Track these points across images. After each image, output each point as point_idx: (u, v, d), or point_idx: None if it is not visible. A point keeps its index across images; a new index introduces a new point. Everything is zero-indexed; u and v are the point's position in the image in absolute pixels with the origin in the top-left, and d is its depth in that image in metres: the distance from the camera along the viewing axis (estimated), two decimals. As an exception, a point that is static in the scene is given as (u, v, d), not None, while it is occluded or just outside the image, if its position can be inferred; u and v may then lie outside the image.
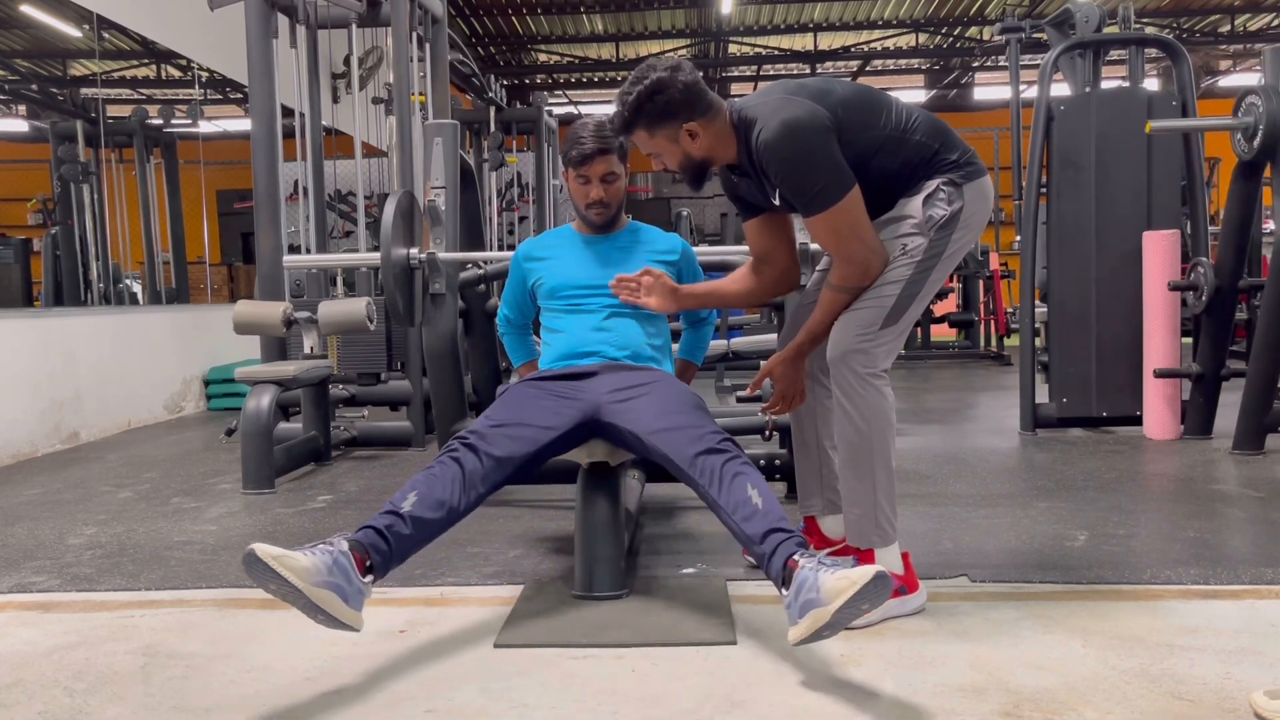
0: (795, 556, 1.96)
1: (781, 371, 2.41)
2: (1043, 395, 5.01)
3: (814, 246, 2.74)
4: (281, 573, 1.84)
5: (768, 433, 3.51)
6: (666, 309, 2.65)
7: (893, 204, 2.31)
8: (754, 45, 15.02)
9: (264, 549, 1.84)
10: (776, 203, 2.35)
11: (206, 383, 6.69)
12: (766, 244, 2.54)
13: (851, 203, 2.21)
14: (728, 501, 2.15)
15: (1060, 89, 5.24)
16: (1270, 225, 6.02)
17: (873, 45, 15.12)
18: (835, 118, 2.21)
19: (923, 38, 15.01)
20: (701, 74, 2.35)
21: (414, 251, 3.32)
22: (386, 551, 2.08)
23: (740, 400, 5.01)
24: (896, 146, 2.28)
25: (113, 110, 6.65)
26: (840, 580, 1.80)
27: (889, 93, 2.41)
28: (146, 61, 7.09)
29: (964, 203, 2.27)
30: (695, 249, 3.03)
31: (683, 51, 15.12)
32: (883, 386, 2.26)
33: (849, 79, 16.90)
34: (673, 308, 2.66)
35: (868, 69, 16.63)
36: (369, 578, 2.01)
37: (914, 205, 2.28)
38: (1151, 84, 11.21)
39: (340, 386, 4.92)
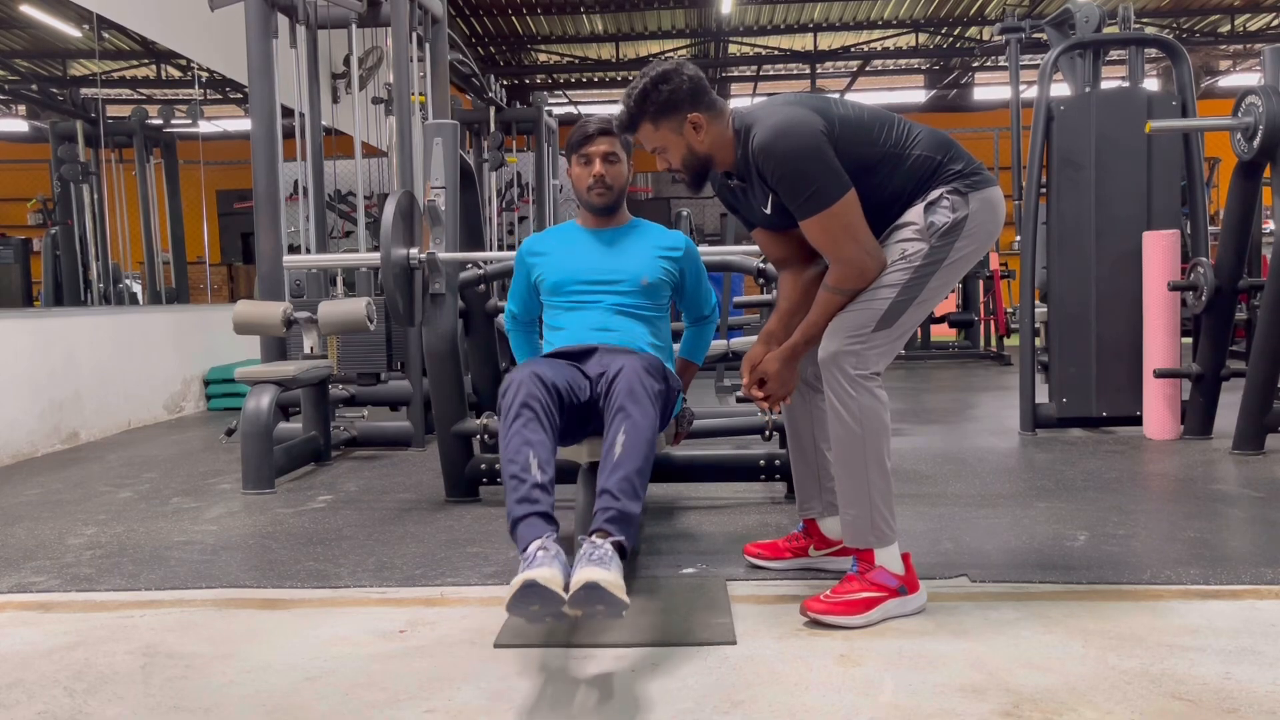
0: (594, 535, 2.08)
1: (775, 371, 2.38)
2: (1043, 395, 5.02)
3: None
4: (558, 593, 1.88)
5: (767, 433, 3.52)
6: (792, 375, 2.40)
7: (898, 218, 2.31)
8: (754, 45, 15.03)
9: (545, 576, 1.88)
10: (768, 211, 2.35)
11: (206, 383, 6.69)
12: (780, 250, 2.52)
13: (846, 205, 2.21)
14: (605, 442, 2.29)
15: (1060, 89, 5.24)
16: (1270, 225, 6.02)
17: (873, 45, 15.13)
18: (832, 128, 2.22)
19: (922, 38, 15.01)
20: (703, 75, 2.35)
21: (414, 251, 3.32)
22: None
23: (740, 400, 5.01)
24: (895, 163, 2.28)
25: (113, 110, 6.65)
26: (578, 575, 1.91)
27: (895, 113, 2.38)
28: (146, 61, 7.08)
29: (969, 211, 2.26)
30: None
31: (683, 51, 15.13)
32: (875, 388, 2.26)
33: (849, 79, 16.85)
34: (794, 370, 2.41)
35: (868, 69, 16.64)
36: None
37: (916, 212, 2.28)
38: (1151, 84, 11.20)
39: (340, 386, 4.92)
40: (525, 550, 2.02)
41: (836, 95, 2.39)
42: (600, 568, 1.91)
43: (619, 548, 2.05)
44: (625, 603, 1.89)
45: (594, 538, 2.06)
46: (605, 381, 2.41)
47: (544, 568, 1.92)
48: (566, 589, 1.89)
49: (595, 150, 2.78)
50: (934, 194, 2.27)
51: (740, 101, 16.99)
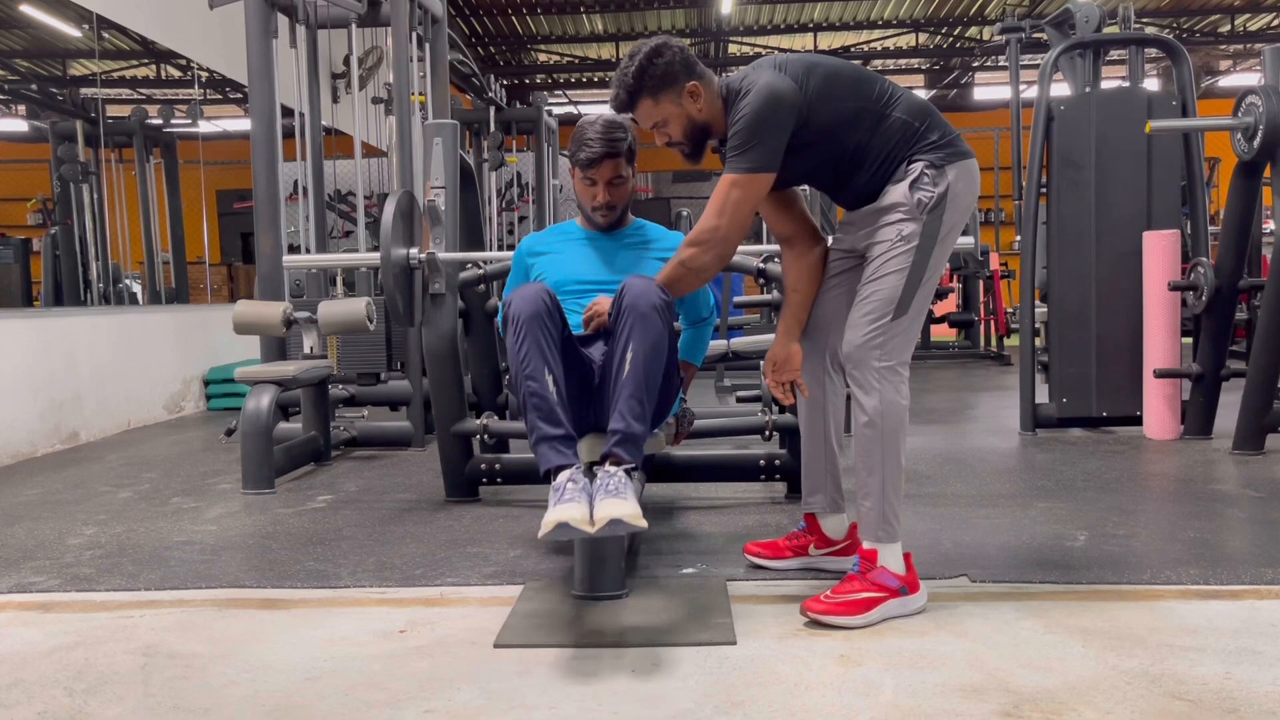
0: (607, 462, 2.25)
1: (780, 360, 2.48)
2: (1043, 395, 5.01)
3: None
4: (585, 530, 2.06)
5: (767, 433, 3.52)
6: (793, 352, 2.50)
7: (878, 189, 2.34)
8: (754, 45, 15.02)
9: (575, 517, 2.07)
10: None
11: (206, 383, 6.69)
12: (786, 227, 2.54)
13: (757, 183, 2.27)
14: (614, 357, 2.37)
15: (1060, 89, 5.24)
16: (1270, 225, 6.02)
17: (873, 45, 15.13)
18: (806, 98, 2.26)
19: (923, 38, 15.01)
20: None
21: (414, 251, 3.32)
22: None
23: (740, 400, 5.01)
24: (875, 121, 2.31)
25: (113, 110, 6.65)
26: (600, 509, 2.11)
27: (881, 75, 2.43)
28: (146, 61, 7.08)
29: (949, 182, 2.30)
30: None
31: (682, 51, 15.11)
32: (899, 384, 2.29)
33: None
34: (793, 347, 2.50)
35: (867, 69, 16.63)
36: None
37: (901, 192, 2.30)
38: (1151, 84, 11.21)
39: (340, 386, 4.91)
40: (556, 481, 2.21)
41: (825, 55, 2.42)
42: (618, 499, 2.10)
43: (630, 473, 2.22)
44: (644, 527, 2.12)
45: (608, 465, 2.23)
46: (615, 303, 2.42)
47: (572, 505, 2.10)
48: (590, 520, 2.09)
49: (600, 174, 2.76)
50: (914, 171, 2.29)
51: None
